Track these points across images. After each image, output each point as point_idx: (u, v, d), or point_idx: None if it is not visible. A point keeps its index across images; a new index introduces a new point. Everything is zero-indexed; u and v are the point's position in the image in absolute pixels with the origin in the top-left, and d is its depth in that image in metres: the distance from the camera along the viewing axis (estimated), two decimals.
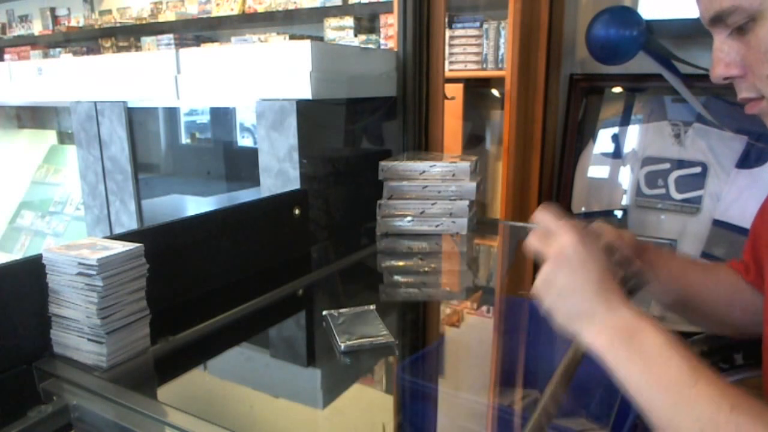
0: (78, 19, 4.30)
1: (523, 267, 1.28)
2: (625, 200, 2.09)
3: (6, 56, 4.62)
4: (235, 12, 3.32)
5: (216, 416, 0.64)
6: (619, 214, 2.10)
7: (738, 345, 0.88)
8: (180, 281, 0.96)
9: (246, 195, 1.59)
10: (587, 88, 2.23)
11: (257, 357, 0.89)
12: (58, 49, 4.35)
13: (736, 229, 1.84)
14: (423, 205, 1.34)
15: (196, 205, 1.83)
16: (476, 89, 2.50)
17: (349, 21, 2.91)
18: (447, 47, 2.37)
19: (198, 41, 3.66)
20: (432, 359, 0.90)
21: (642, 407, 0.50)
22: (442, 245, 1.33)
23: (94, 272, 0.71)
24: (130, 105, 1.61)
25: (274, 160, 1.29)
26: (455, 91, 2.30)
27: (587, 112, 2.24)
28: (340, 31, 2.94)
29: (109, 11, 4.14)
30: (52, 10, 4.42)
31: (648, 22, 1.92)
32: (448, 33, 2.37)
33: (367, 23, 2.97)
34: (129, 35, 3.97)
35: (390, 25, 2.80)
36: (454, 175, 1.34)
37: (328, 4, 2.98)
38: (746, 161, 1.86)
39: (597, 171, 2.17)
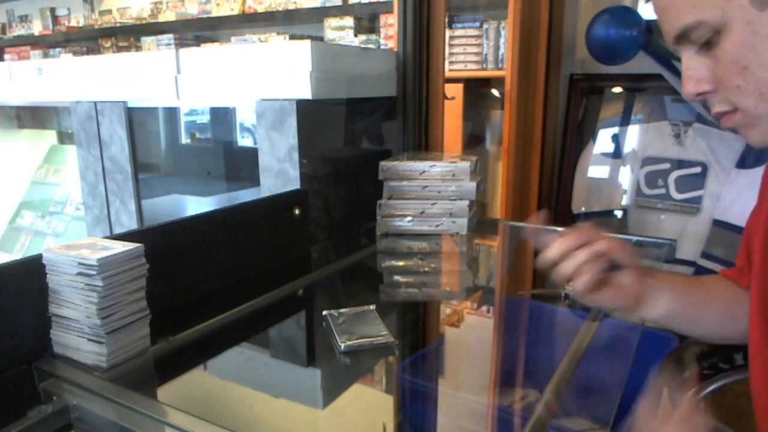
0: (78, 19, 4.30)
1: (523, 267, 1.28)
2: (625, 200, 2.09)
3: (6, 56, 4.62)
4: (235, 12, 3.32)
5: (216, 416, 0.64)
6: (619, 214, 2.10)
7: (738, 345, 0.88)
8: (180, 281, 0.96)
9: (246, 195, 1.59)
10: (587, 88, 2.23)
11: (257, 357, 0.89)
12: (58, 49, 4.34)
13: (736, 229, 1.84)
14: (423, 205, 1.34)
15: (196, 205, 1.83)
16: (476, 89, 2.50)
17: (349, 21, 2.91)
18: (447, 47, 2.37)
19: (198, 41, 3.66)
20: (432, 359, 0.90)
21: None
22: (442, 245, 1.33)
23: (94, 272, 0.71)
24: (130, 105, 1.61)
25: (274, 160, 1.29)
26: (455, 91, 2.30)
27: (587, 112, 2.24)
28: (340, 31, 2.94)
29: (109, 11, 4.14)
30: (52, 10, 4.42)
31: (648, 22, 1.92)
32: (448, 33, 2.37)
33: (367, 23, 2.97)
34: (129, 35, 3.97)
35: (390, 25, 2.80)
36: (454, 175, 1.34)
37: (328, 4, 2.98)
38: (746, 161, 1.86)
39: (597, 171, 2.17)
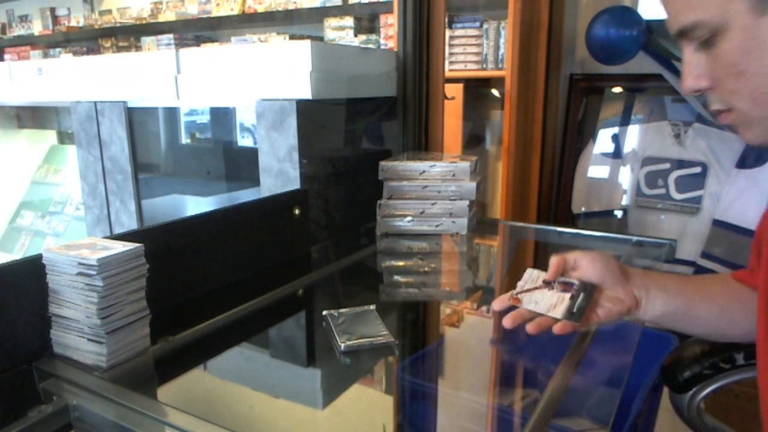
0: (78, 19, 4.30)
1: (523, 267, 1.28)
2: (625, 200, 2.09)
3: (6, 56, 4.62)
4: (235, 12, 3.32)
5: (216, 416, 0.64)
6: (619, 214, 2.11)
7: (739, 345, 0.88)
8: (180, 281, 0.96)
9: (246, 195, 1.59)
10: (587, 88, 2.24)
11: (257, 357, 0.89)
12: (58, 49, 4.35)
13: (736, 229, 1.84)
14: (423, 205, 1.34)
15: (196, 205, 1.83)
16: (476, 89, 2.50)
17: (349, 21, 2.91)
18: (447, 47, 2.37)
19: (198, 41, 3.66)
20: (432, 359, 0.90)
21: None
22: (442, 245, 1.33)
23: (94, 272, 0.71)
24: (130, 105, 1.61)
25: (274, 160, 1.29)
26: (455, 91, 2.30)
27: (587, 112, 2.24)
28: (340, 31, 2.94)
29: (109, 11, 4.14)
30: (52, 10, 4.42)
31: (648, 22, 1.92)
32: (448, 33, 2.37)
33: (367, 23, 2.97)
34: (129, 35, 3.97)
35: (390, 25, 2.80)
36: (454, 175, 1.34)
37: (328, 4, 2.98)
38: (746, 161, 1.86)
39: (597, 171, 2.17)
